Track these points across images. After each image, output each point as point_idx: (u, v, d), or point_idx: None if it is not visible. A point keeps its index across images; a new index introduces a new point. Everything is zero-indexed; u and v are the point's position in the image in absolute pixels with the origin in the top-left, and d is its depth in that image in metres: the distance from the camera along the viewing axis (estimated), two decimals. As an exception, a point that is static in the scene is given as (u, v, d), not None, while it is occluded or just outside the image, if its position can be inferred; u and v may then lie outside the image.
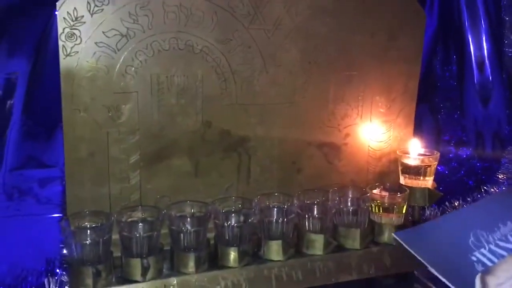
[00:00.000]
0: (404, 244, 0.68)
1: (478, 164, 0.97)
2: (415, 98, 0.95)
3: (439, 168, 1.10)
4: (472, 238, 0.68)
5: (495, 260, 0.67)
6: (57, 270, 0.78)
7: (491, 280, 0.64)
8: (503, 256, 0.67)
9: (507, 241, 0.69)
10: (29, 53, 0.74)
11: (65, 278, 0.76)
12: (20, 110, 0.75)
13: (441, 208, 1.01)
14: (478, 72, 1.00)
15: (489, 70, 1.00)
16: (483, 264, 0.67)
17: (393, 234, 0.71)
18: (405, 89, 0.94)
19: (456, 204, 1.02)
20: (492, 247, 0.68)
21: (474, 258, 0.67)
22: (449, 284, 0.64)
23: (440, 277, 0.65)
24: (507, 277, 0.65)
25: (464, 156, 1.04)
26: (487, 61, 1.00)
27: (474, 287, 0.64)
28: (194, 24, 0.77)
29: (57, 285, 0.75)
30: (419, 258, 0.66)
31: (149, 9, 0.74)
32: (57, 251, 0.78)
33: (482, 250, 0.68)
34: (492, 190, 1.02)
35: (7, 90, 0.75)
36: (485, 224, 0.70)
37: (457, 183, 1.07)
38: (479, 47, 0.99)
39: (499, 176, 1.01)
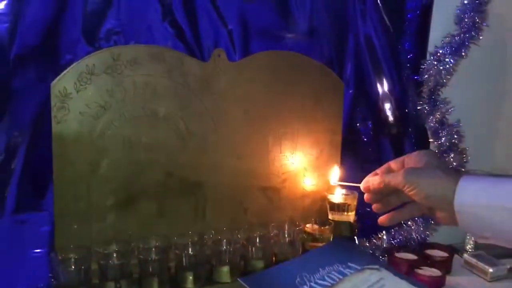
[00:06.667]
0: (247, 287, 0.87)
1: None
2: (339, 149, 1.17)
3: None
4: (298, 279, 0.89)
5: None
6: (45, 299, 0.93)
7: None
8: None
9: (324, 280, 0.89)
10: (28, 122, 0.94)
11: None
12: (20, 166, 0.94)
13: (367, 240, 1.21)
14: (389, 127, 1.23)
15: (398, 126, 1.24)
16: None
17: (238, 279, 0.91)
18: (331, 142, 1.16)
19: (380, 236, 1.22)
20: (313, 284, 0.88)
21: None
22: None
23: None
24: None
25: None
26: (396, 119, 1.23)
27: None
28: (158, 97, 0.98)
29: (45, 310, 0.91)
30: None
31: (122, 87, 0.94)
32: (46, 281, 0.93)
33: (304, 286, 0.88)
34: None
35: (10, 150, 0.93)
36: (309, 268, 0.91)
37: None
38: (390, 109, 1.23)
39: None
